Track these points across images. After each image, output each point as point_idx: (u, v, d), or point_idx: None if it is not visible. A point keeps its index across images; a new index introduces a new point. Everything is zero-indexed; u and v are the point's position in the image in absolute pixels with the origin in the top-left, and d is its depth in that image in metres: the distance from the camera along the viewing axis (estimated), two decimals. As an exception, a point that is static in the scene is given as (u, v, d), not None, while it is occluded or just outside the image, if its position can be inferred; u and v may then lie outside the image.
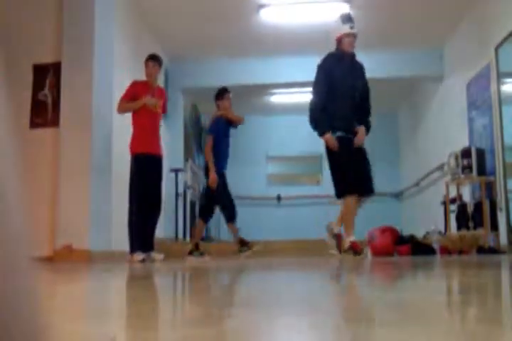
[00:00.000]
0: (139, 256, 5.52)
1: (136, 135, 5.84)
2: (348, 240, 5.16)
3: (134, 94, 5.88)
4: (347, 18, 5.43)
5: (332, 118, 5.26)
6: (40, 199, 5.96)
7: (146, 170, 5.74)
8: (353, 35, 5.40)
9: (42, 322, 0.36)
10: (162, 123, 6.17)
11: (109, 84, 6.51)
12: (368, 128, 5.46)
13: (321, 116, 5.30)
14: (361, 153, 5.40)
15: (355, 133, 5.34)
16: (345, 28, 5.39)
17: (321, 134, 5.31)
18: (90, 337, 0.90)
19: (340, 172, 5.25)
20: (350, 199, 5.17)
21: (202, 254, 6.49)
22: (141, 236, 5.73)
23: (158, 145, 5.92)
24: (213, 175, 6.44)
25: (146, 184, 5.71)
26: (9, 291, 0.33)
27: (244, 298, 1.60)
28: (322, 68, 5.42)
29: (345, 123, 5.30)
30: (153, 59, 6.02)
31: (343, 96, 5.27)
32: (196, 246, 6.60)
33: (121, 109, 5.93)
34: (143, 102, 5.77)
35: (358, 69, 5.54)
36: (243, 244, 6.51)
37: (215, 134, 6.62)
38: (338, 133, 5.26)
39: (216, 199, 6.59)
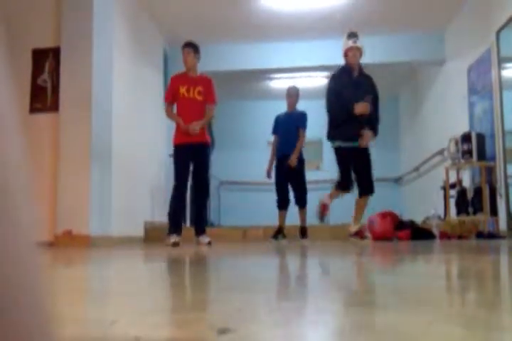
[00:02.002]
0: (171, 239, 5.41)
1: (176, 126, 5.69)
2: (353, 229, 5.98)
3: (173, 89, 5.67)
4: (350, 35, 5.96)
5: (335, 128, 5.82)
6: (40, 185, 5.97)
7: (182, 159, 5.59)
8: (356, 48, 5.88)
9: (48, 314, 0.35)
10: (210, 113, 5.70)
11: (108, 68, 6.49)
12: (375, 134, 5.87)
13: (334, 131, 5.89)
14: (363, 156, 5.84)
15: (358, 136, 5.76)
16: (349, 43, 5.92)
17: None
18: (91, 319, 0.91)
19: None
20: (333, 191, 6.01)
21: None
22: (173, 219, 5.59)
23: (200, 133, 5.54)
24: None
25: (182, 172, 5.58)
26: (15, 280, 0.33)
27: (241, 282, 1.60)
28: (331, 89, 5.88)
29: (345, 132, 5.75)
30: (186, 46, 5.72)
31: (347, 110, 5.66)
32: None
33: (167, 116, 5.81)
34: (181, 126, 5.53)
35: (365, 82, 5.89)
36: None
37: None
38: (337, 143, 5.82)
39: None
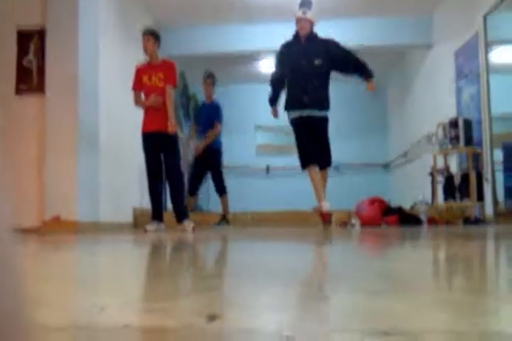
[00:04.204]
0: (149, 226, 5.55)
1: (143, 114, 5.74)
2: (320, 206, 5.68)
3: (137, 78, 5.71)
4: (301, 3, 5.91)
5: (286, 100, 5.84)
6: (27, 169, 5.93)
7: (150, 147, 5.65)
8: (304, 20, 5.81)
9: (22, 303, 0.35)
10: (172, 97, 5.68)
11: (95, 50, 6.42)
12: (366, 70, 5.84)
13: (271, 98, 6.14)
14: (319, 129, 5.79)
15: (317, 106, 5.75)
16: (298, 13, 5.86)
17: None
18: (78, 306, 0.90)
19: (298, 149, 5.83)
20: (309, 171, 5.70)
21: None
22: (152, 207, 5.74)
23: (165, 122, 5.55)
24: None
25: (152, 160, 5.66)
26: None
27: (230, 268, 1.61)
28: (276, 56, 6.09)
29: (297, 104, 5.74)
30: (145, 33, 5.72)
31: (295, 79, 5.74)
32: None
33: (135, 104, 5.82)
34: (147, 103, 5.62)
35: (316, 47, 5.82)
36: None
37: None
38: (292, 115, 5.78)
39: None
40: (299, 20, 5.84)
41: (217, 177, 7.34)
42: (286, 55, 5.88)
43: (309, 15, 5.83)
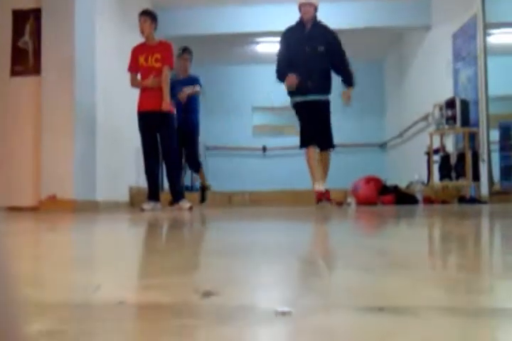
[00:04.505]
0: (145, 205, 5.55)
1: (139, 94, 5.72)
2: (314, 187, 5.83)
3: (134, 58, 5.67)
4: None
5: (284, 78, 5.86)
6: (24, 150, 5.92)
7: (145, 126, 5.64)
8: (308, 5, 5.88)
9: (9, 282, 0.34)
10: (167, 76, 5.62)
11: (91, 31, 6.36)
12: (350, 79, 5.94)
13: (280, 75, 6.00)
14: (321, 112, 5.87)
15: (315, 90, 5.84)
16: None
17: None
18: (74, 284, 0.91)
19: (300, 129, 5.97)
20: (306, 151, 5.88)
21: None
22: (148, 186, 5.74)
23: (156, 100, 5.56)
24: None
25: (147, 139, 5.65)
26: None
27: (226, 246, 1.61)
28: (280, 40, 6.10)
29: (301, 90, 5.82)
30: (142, 14, 5.69)
31: (297, 64, 5.80)
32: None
33: (132, 85, 5.77)
34: (145, 84, 5.59)
35: (319, 34, 5.92)
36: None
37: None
38: (295, 100, 5.90)
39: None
40: (302, 5, 5.90)
41: (194, 153, 7.04)
42: (290, 39, 5.94)
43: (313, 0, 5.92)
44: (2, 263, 0.33)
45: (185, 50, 7.08)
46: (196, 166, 7.14)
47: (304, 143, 5.87)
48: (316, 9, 5.94)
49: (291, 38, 5.93)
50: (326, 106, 5.90)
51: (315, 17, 5.96)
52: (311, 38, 5.85)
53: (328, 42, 5.87)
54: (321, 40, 5.85)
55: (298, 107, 5.92)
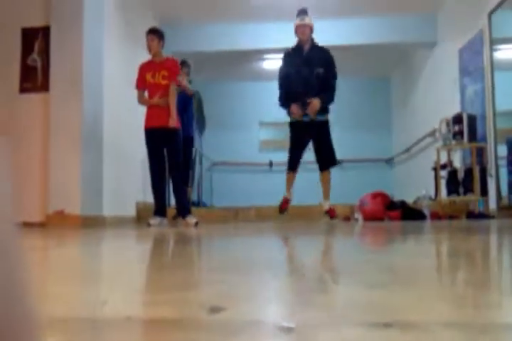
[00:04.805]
0: (152, 220, 5.57)
1: (146, 111, 5.77)
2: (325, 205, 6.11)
3: (141, 76, 5.73)
4: (299, 12, 6.19)
5: (288, 105, 6.06)
6: (32, 165, 5.94)
7: (152, 143, 5.68)
8: (303, 26, 6.06)
9: (30, 301, 0.35)
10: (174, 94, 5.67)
11: (99, 48, 6.42)
12: (331, 96, 6.03)
13: (283, 97, 6.17)
14: (321, 133, 6.00)
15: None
16: (297, 21, 6.12)
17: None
18: (82, 299, 0.91)
19: (289, 151, 6.17)
20: (289, 175, 6.20)
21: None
22: (155, 201, 5.74)
23: (163, 117, 5.60)
24: None
25: (154, 156, 5.68)
26: None
27: (232, 261, 1.61)
28: (281, 64, 6.29)
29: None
30: (150, 32, 5.76)
31: (297, 86, 5.93)
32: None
33: (139, 103, 5.84)
34: (151, 102, 5.66)
35: (317, 56, 6.06)
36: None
37: None
38: (293, 119, 6.05)
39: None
40: (298, 27, 6.09)
41: (186, 167, 6.92)
42: (290, 63, 6.13)
43: (308, 20, 6.10)
44: (22, 277, 0.34)
45: (184, 64, 7.09)
46: (186, 181, 7.01)
47: (290, 168, 6.13)
48: (311, 30, 6.10)
49: (291, 62, 6.11)
50: (325, 126, 6.01)
51: (312, 38, 6.13)
52: (309, 61, 5.98)
53: (325, 65, 6.00)
54: (319, 62, 5.99)
55: (294, 127, 6.07)
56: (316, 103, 5.84)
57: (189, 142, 7.10)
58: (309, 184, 6.97)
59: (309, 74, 5.92)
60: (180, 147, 5.79)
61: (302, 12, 6.19)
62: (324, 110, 5.98)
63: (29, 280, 0.35)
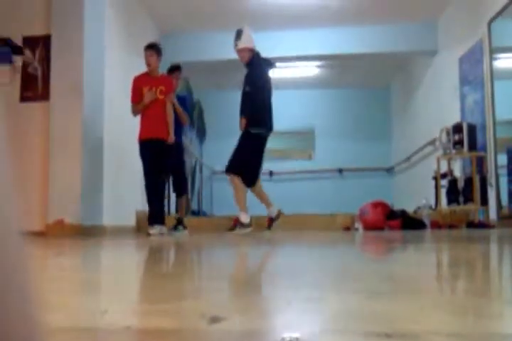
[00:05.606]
0: (151, 230, 5.62)
1: (140, 123, 5.91)
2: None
3: (137, 89, 5.87)
4: (235, 36, 6.27)
5: (259, 115, 6.35)
6: (32, 174, 5.94)
7: (147, 154, 5.74)
8: (238, 51, 6.26)
9: (37, 310, 0.35)
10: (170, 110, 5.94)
11: (100, 57, 6.44)
12: (242, 114, 6.26)
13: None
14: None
15: None
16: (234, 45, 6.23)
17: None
18: (81, 309, 0.90)
19: (252, 165, 6.29)
20: (252, 189, 6.38)
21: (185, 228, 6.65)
22: (154, 210, 5.82)
23: (162, 130, 5.80)
24: None
25: (150, 166, 5.76)
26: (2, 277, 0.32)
27: (232, 271, 1.61)
28: (259, 77, 6.46)
29: (265, 121, 6.39)
30: (148, 47, 5.93)
31: (264, 100, 6.31)
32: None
33: (134, 113, 5.98)
34: (145, 101, 5.80)
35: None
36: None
37: None
38: (260, 130, 6.32)
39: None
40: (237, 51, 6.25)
41: (182, 174, 6.85)
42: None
43: (241, 45, 6.19)
44: (28, 286, 0.34)
45: (177, 69, 6.89)
46: (183, 189, 6.89)
47: (254, 182, 6.25)
48: (249, 50, 6.25)
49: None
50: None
51: (251, 59, 6.26)
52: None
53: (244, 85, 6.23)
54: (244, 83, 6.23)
55: (261, 139, 6.24)
56: (242, 123, 6.18)
57: (179, 148, 6.82)
58: (306, 193, 6.95)
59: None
60: (173, 156, 5.96)
61: (236, 36, 6.26)
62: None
63: (32, 285, 0.35)
